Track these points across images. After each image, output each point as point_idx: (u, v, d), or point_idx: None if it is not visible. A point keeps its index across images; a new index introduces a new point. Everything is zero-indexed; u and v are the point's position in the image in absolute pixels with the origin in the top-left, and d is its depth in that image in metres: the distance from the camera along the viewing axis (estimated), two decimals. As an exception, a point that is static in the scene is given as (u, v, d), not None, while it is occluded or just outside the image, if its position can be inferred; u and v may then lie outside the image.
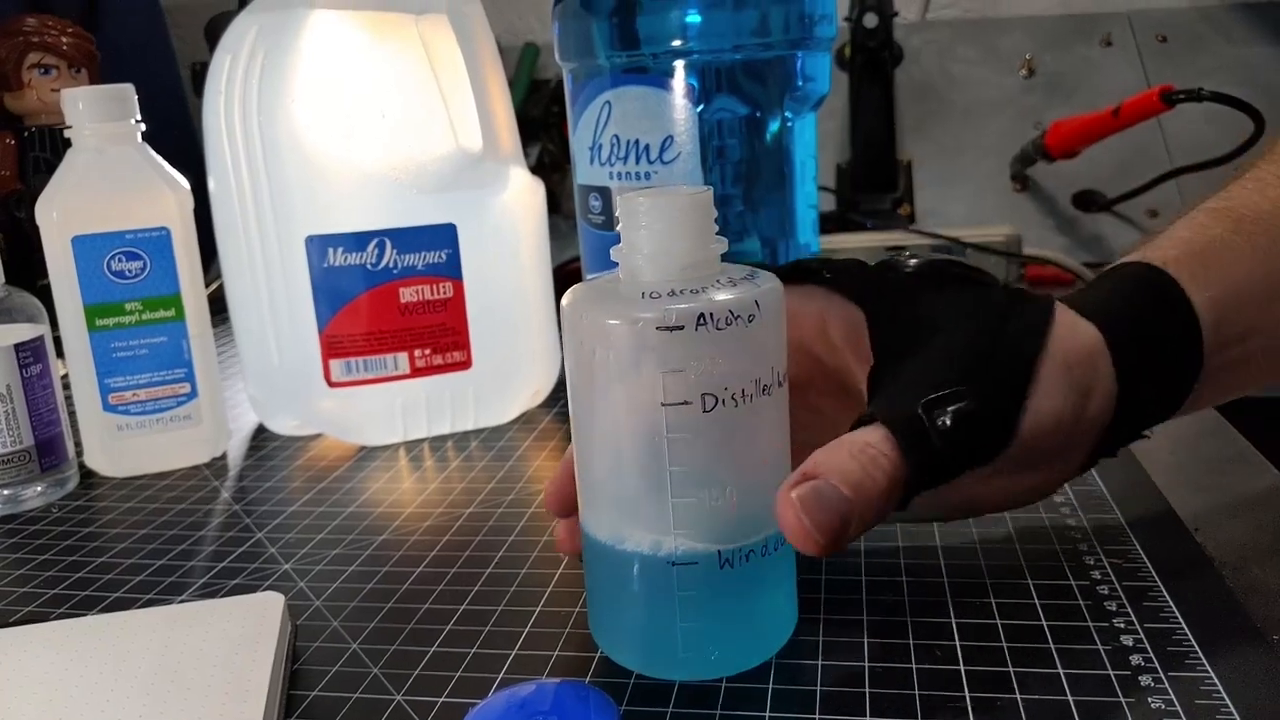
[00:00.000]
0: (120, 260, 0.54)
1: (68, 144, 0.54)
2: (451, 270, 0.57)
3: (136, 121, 0.54)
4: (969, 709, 0.30)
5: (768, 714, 0.31)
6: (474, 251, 0.57)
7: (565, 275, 0.84)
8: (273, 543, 0.46)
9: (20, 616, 0.40)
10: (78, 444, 0.56)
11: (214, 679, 0.33)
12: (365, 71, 0.54)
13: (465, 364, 0.58)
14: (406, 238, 0.55)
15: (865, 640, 0.34)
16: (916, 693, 0.31)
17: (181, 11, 1.25)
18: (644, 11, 0.49)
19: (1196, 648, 0.32)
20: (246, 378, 0.61)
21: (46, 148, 0.86)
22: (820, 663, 0.33)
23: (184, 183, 0.56)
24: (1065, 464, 0.36)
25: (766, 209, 0.53)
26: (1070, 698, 0.30)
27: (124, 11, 1.11)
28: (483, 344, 0.58)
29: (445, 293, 0.57)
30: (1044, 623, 0.34)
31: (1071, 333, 0.34)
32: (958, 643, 0.34)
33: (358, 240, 0.55)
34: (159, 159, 0.55)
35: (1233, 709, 0.29)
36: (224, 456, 0.58)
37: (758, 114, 0.51)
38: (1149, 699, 0.30)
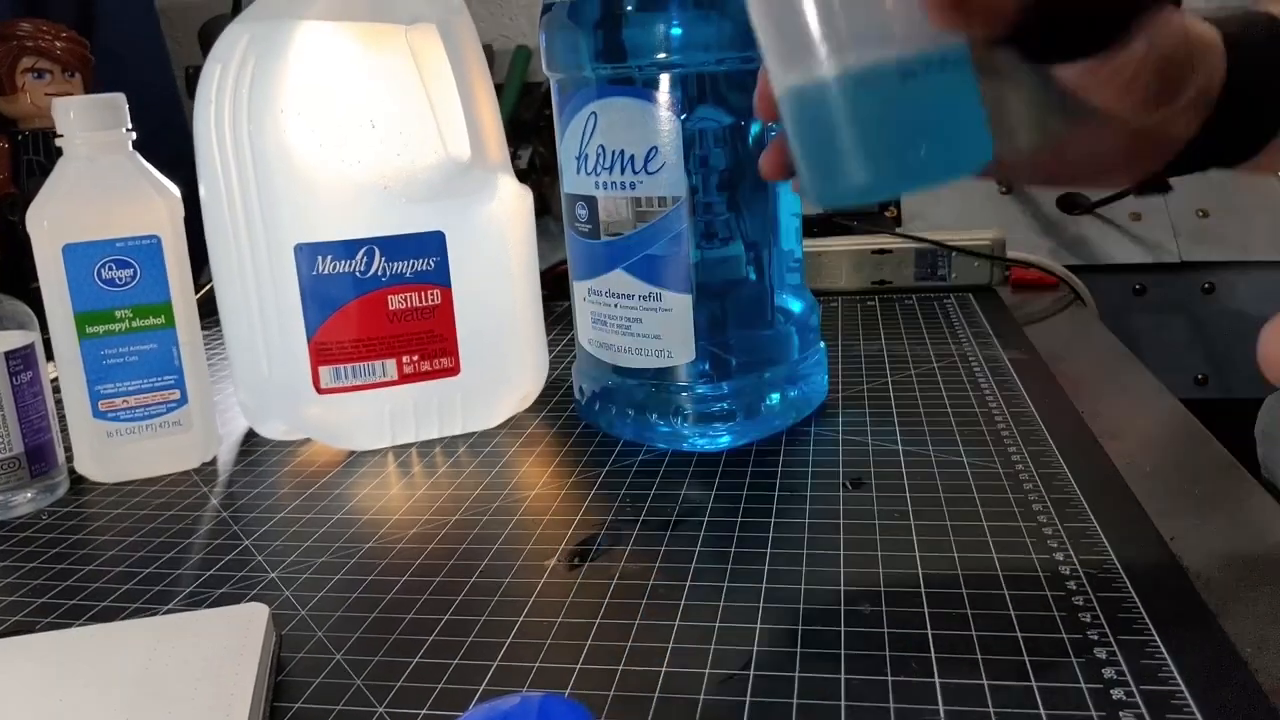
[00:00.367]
0: (111, 268, 0.54)
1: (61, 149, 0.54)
2: (440, 278, 0.57)
3: (127, 130, 0.54)
4: (941, 722, 0.31)
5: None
6: (462, 259, 0.57)
7: (556, 277, 0.85)
8: (260, 550, 0.46)
9: (7, 627, 0.41)
10: (68, 450, 0.57)
11: (198, 691, 0.33)
12: (355, 81, 0.55)
13: (453, 370, 0.58)
14: (395, 246, 0.56)
15: (842, 652, 0.35)
16: (891, 705, 0.32)
17: (176, 15, 1.25)
18: (629, 24, 0.49)
19: (1161, 646, 0.33)
20: (236, 383, 0.61)
21: (40, 151, 0.87)
22: (797, 675, 0.34)
23: (175, 191, 0.56)
24: (1157, 140, 0.36)
25: (750, 216, 0.54)
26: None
27: (118, 15, 1.11)
28: (470, 350, 0.59)
29: (433, 300, 0.57)
30: (1025, 658, 0.35)
31: (1194, 21, 0.35)
32: (933, 655, 0.34)
33: (347, 248, 0.55)
34: (150, 167, 0.56)
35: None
36: (214, 462, 0.58)
37: (741, 123, 0.51)
38: (1120, 713, 0.31)
